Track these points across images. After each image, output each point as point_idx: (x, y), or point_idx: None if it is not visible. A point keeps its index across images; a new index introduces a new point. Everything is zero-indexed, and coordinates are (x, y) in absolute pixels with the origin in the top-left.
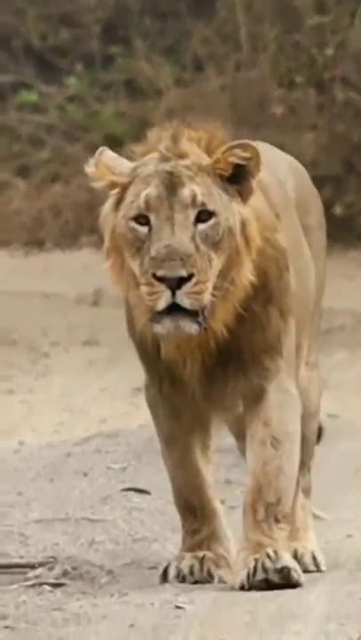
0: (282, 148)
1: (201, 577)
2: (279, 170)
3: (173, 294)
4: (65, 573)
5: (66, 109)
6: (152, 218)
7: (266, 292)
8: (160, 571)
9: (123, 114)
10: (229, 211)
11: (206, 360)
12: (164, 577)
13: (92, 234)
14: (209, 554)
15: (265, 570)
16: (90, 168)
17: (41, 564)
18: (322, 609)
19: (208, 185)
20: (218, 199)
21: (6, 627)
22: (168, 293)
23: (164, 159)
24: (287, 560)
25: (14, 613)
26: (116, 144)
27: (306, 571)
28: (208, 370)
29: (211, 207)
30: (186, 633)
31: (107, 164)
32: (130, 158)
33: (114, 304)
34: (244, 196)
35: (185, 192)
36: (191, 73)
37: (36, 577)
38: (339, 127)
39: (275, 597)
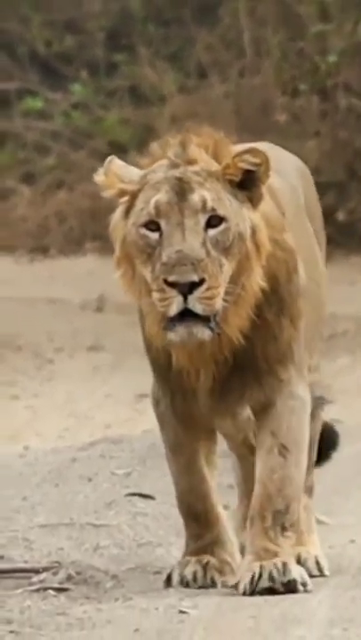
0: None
1: (204, 583)
2: (291, 175)
3: (185, 300)
4: (69, 578)
5: (71, 116)
6: (162, 224)
7: (277, 299)
8: (164, 576)
9: (127, 120)
10: (240, 216)
11: (219, 369)
12: (168, 582)
13: (96, 240)
14: (213, 560)
15: (271, 579)
16: (99, 177)
17: (45, 569)
18: (325, 614)
19: (218, 190)
20: (228, 205)
21: (11, 631)
22: (180, 299)
23: (174, 166)
24: (295, 573)
25: (19, 618)
26: (120, 150)
27: (309, 575)
28: (220, 379)
29: (221, 212)
30: (190, 637)
31: (116, 173)
32: (137, 167)
33: (118, 310)
34: (254, 201)
35: (195, 197)
36: (195, 80)
37: (41, 582)
38: (342, 134)
39: (278, 602)
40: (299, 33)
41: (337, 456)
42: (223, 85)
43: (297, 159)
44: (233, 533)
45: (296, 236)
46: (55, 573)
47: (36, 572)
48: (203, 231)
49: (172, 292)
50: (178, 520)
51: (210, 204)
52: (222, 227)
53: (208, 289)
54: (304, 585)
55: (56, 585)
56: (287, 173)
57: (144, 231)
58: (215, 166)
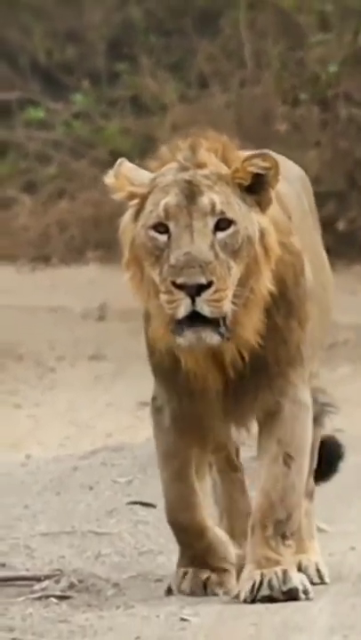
0: None
1: (204, 595)
2: (295, 182)
3: (193, 302)
4: (71, 586)
5: (72, 126)
6: (171, 226)
7: (285, 302)
8: (165, 586)
9: (128, 130)
10: (248, 220)
11: (232, 372)
12: (169, 593)
13: (97, 249)
14: (213, 576)
15: (270, 587)
16: (109, 179)
17: (47, 577)
18: (326, 621)
19: (227, 194)
20: (237, 208)
21: (13, 639)
22: (188, 301)
23: (183, 169)
24: (296, 581)
25: (21, 625)
26: None
27: (310, 583)
28: (233, 382)
29: (230, 215)
30: None
31: (126, 175)
32: (147, 170)
33: (120, 318)
34: (262, 205)
35: (204, 200)
36: (196, 89)
37: (43, 589)
38: (342, 143)
39: (279, 610)
40: (299, 43)
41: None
42: (224, 95)
43: (299, 168)
44: (224, 534)
45: (302, 240)
46: (57, 581)
47: (38, 579)
48: (211, 234)
49: (180, 294)
50: None
51: (219, 206)
52: (231, 230)
53: (216, 291)
54: (305, 593)
55: (58, 593)
56: (292, 180)
57: (153, 233)
58: (225, 170)
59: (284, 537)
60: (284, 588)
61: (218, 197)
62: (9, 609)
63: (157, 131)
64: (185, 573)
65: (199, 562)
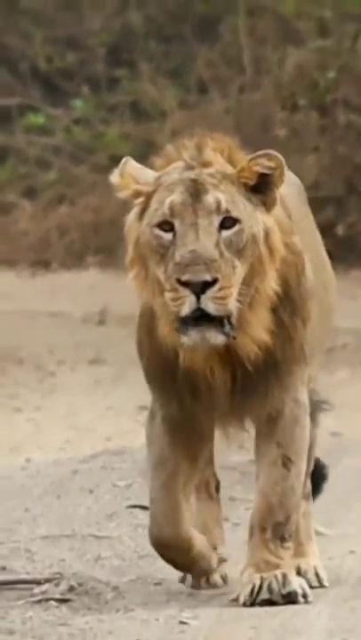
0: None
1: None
2: (293, 186)
3: (198, 300)
4: (71, 589)
5: (72, 131)
6: (176, 224)
7: (289, 301)
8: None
9: (128, 135)
10: (253, 219)
11: (240, 370)
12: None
13: (97, 254)
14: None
15: (270, 590)
16: (115, 178)
17: (47, 580)
18: (324, 624)
19: (232, 193)
20: (242, 207)
21: None
22: (192, 298)
23: (189, 167)
24: (295, 585)
25: (21, 629)
26: None
27: (309, 587)
28: (242, 380)
29: (235, 214)
30: None
31: (131, 174)
32: (152, 168)
33: (119, 323)
34: (267, 205)
35: (209, 199)
36: (195, 95)
37: (43, 593)
38: (341, 149)
39: (278, 613)
40: (298, 49)
41: (337, 468)
42: (223, 101)
43: (294, 176)
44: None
45: (303, 240)
46: (57, 584)
47: (38, 583)
48: (216, 232)
49: (185, 292)
50: None
51: (224, 205)
52: (236, 228)
53: (221, 289)
54: (305, 596)
55: (58, 596)
56: (291, 183)
57: (158, 231)
58: (230, 169)
59: (282, 539)
60: (284, 592)
61: (223, 196)
62: (9, 612)
63: (157, 136)
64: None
65: (189, 568)
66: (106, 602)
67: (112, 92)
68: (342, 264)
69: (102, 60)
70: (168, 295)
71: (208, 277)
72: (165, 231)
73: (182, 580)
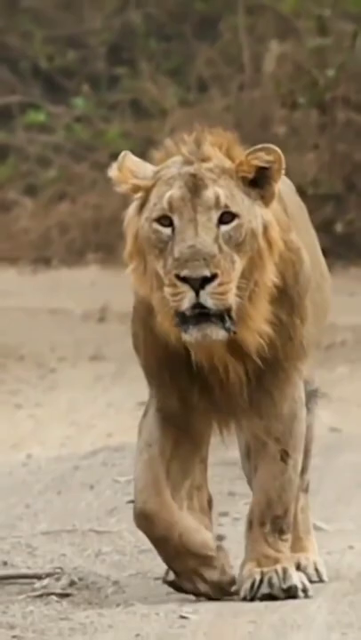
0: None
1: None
2: (285, 180)
3: (197, 295)
4: (72, 584)
5: (72, 129)
6: (175, 219)
7: (287, 299)
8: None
9: (128, 133)
10: (252, 213)
11: (250, 365)
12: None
13: (98, 251)
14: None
15: (271, 585)
16: (113, 172)
17: (48, 575)
18: (324, 619)
19: (231, 187)
20: (241, 201)
21: (14, 636)
22: (192, 294)
23: (188, 162)
24: (295, 579)
25: (22, 623)
26: None
27: (309, 581)
28: (254, 375)
29: (234, 209)
30: None
31: (130, 168)
32: (152, 161)
33: (120, 320)
34: (266, 199)
35: (208, 194)
36: (195, 93)
37: (44, 587)
38: (340, 147)
39: (278, 608)
40: (297, 47)
41: (335, 464)
42: (223, 99)
43: (285, 177)
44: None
45: (299, 236)
46: (58, 579)
47: (39, 577)
48: (215, 227)
49: (184, 287)
50: None
51: (223, 200)
52: (235, 223)
53: (220, 284)
54: (304, 591)
55: (58, 591)
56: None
57: (157, 226)
58: (229, 164)
59: (281, 532)
60: (284, 586)
61: (222, 191)
62: (10, 607)
63: (157, 134)
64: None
65: (178, 557)
66: (106, 596)
67: (112, 91)
68: (341, 261)
69: (103, 58)
70: (167, 290)
71: (207, 273)
72: (164, 226)
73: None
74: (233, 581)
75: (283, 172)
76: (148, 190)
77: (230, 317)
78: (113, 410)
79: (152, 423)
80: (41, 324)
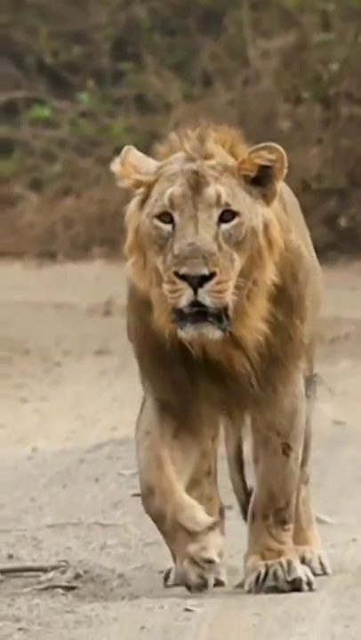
0: (288, 162)
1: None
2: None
3: (195, 292)
4: (77, 577)
5: (77, 124)
6: (176, 216)
7: (287, 298)
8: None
9: (133, 128)
10: (253, 212)
11: (251, 358)
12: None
13: (103, 245)
14: (196, 569)
15: (276, 577)
16: (116, 166)
17: (53, 568)
18: (327, 611)
19: (233, 186)
20: (242, 200)
21: (20, 629)
22: (190, 291)
23: (190, 159)
24: (300, 572)
25: (27, 616)
26: None
27: (313, 574)
28: (260, 370)
29: (234, 207)
30: (195, 635)
31: (132, 163)
32: (156, 154)
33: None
34: (268, 198)
35: (209, 191)
36: (200, 88)
37: (49, 580)
38: (343, 141)
39: (282, 600)
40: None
41: (339, 457)
42: (228, 93)
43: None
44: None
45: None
46: (63, 572)
47: (45, 570)
48: (215, 225)
49: (183, 285)
50: None
51: (224, 198)
52: (235, 221)
53: (218, 283)
54: (309, 584)
55: (64, 583)
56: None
57: (157, 222)
58: (231, 161)
59: (283, 522)
60: (289, 579)
61: (223, 189)
62: (16, 599)
63: (162, 129)
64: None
65: (174, 533)
66: (111, 589)
67: (117, 86)
68: (345, 255)
69: (107, 53)
70: (166, 287)
71: (206, 271)
72: (165, 222)
73: (166, 578)
74: (212, 565)
75: (285, 170)
76: (150, 186)
77: (227, 317)
78: (118, 404)
79: (150, 413)
80: (46, 319)
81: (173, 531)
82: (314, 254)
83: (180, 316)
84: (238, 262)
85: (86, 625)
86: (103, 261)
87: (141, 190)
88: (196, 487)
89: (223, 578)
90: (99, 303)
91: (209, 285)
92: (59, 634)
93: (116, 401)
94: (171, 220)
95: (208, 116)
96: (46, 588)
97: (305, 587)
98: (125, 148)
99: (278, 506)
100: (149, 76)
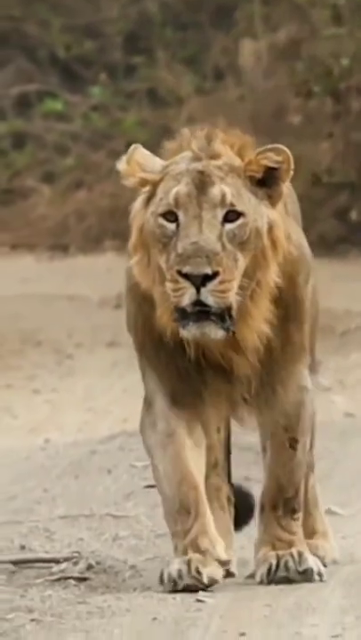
0: (299, 156)
1: (191, 579)
2: None
3: (198, 292)
4: (89, 568)
5: (90, 118)
6: (180, 215)
7: (288, 300)
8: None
9: (145, 122)
10: (258, 213)
11: (251, 360)
12: (161, 584)
13: (114, 238)
14: (196, 555)
15: (287, 568)
16: (121, 165)
17: (66, 559)
18: (338, 602)
19: (238, 186)
20: (247, 200)
21: (32, 619)
22: (193, 290)
23: (197, 158)
24: (311, 562)
25: (40, 607)
26: None
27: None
28: (261, 368)
29: (239, 208)
30: (207, 625)
31: (138, 162)
32: (165, 151)
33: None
34: (273, 199)
35: (214, 191)
36: (211, 82)
37: (61, 571)
38: (354, 135)
39: (293, 591)
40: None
41: (349, 449)
42: (239, 88)
43: None
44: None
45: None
46: (75, 563)
47: (57, 561)
48: (220, 225)
49: (186, 284)
50: None
51: (229, 198)
52: (240, 221)
53: (222, 282)
54: (320, 575)
55: (76, 574)
56: None
57: (162, 221)
58: (238, 162)
59: (293, 511)
60: (300, 569)
61: (229, 189)
62: (28, 590)
63: (174, 123)
64: (174, 561)
65: (192, 547)
66: (123, 580)
67: (129, 79)
68: (356, 249)
69: (120, 47)
70: (169, 285)
71: (209, 271)
72: (169, 221)
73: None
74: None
75: (291, 172)
76: (155, 184)
77: (230, 317)
78: (129, 395)
79: (163, 412)
80: (58, 311)
81: (189, 546)
82: (308, 247)
83: (182, 315)
84: (242, 262)
85: (98, 616)
86: (115, 254)
87: (147, 189)
88: (204, 459)
89: (234, 569)
90: (110, 296)
91: (212, 285)
92: (71, 625)
93: (127, 393)
94: (175, 219)
95: (219, 110)
96: (59, 579)
97: (316, 577)
98: (133, 146)
99: (287, 496)
100: (161, 70)
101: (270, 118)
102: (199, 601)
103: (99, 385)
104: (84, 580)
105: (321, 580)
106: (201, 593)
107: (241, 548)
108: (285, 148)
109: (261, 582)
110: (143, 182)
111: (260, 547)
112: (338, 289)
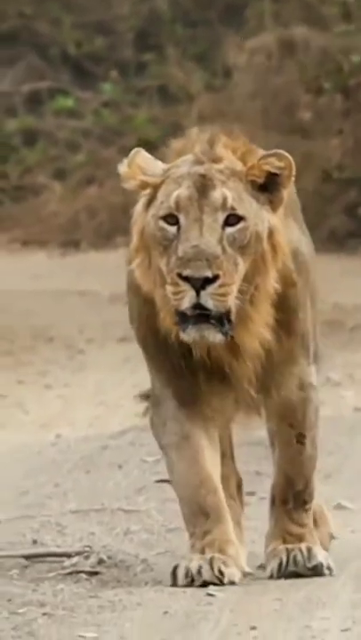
0: (309, 152)
1: (211, 576)
2: None
3: (198, 295)
4: (100, 562)
5: (101, 114)
6: (181, 218)
7: (288, 304)
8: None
9: (156, 118)
10: (258, 217)
11: (256, 363)
12: (174, 579)
13: (126, 234)
14: (218, 555)
15: (296, 563)
16: (122, 168)
17: (77, 553)
18: (348, 596)
19: (239, 190)
20: (248, 205)
21: (44, 613)
22: (192, 294)
23: (198, 162)
24: (320, 557)
25: (52, 601)
26: (149, 148)
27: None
28: (262, 372)
29: (240, 212)
30: (217, 619)
31: (139, 165)
32: (170, 151)
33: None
34: (274, 204)
35: (216, 195)
36: (221, 79)
37: (73, 565)
38: None
39: (303, 585)
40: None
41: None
42: (249, 84)
43: None
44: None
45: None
46: (87, 557)
47: (69, 556)
48: (220, 228)
49: (186, 287)
50: None
51: (230, 202)
52: (240, 225)
53: (221, 286)
54: (329, 569)
55: (88, 569)
56: None
57: (163, 224)
58: (240, 166)
59: (304, 503)
60: (309, 565)
61: (230, 193)
62: (40, 585)
63: (184, 119)
64: (192, 558)
65: (212, 548)
66: (135, 574)
67: (140, 76)
68: None
69: (130, 44)
70: (169, 288)
71: (209, 274)
72: (170, 224)
73: (173, 580)
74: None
75: (293, 178)
76: (156, 187)
77: (229, 321)
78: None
79: (175, 411)
80: (70, 307)
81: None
82: (310, 240)
83: (182, 318)
84: (242, 266)
85: (110, 610)
86: (126, 250)
87: (147, 191)
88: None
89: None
90: (121, 291)
91: (212, 288)
92: (82, 619)
93: (138, 388)
94: (176, 222)
95: (230, 106)
96: (70, 574)
97: (326, 571)
98: (134, 150)
99: (297, 489)
100: (171, 67)
101: (281, 115)
102: (210, 595)
103: (110, 380)
104: (96, 574)
105: (331, 575)
106: (211, 587)
107: (252, 542)
108: (287, 154)
109: (272, 577)
110: (144, 185)
111: (271, 540)
112: (347, 284)
